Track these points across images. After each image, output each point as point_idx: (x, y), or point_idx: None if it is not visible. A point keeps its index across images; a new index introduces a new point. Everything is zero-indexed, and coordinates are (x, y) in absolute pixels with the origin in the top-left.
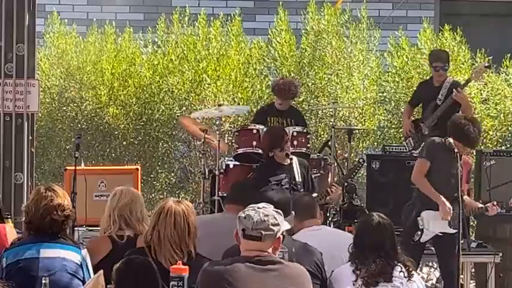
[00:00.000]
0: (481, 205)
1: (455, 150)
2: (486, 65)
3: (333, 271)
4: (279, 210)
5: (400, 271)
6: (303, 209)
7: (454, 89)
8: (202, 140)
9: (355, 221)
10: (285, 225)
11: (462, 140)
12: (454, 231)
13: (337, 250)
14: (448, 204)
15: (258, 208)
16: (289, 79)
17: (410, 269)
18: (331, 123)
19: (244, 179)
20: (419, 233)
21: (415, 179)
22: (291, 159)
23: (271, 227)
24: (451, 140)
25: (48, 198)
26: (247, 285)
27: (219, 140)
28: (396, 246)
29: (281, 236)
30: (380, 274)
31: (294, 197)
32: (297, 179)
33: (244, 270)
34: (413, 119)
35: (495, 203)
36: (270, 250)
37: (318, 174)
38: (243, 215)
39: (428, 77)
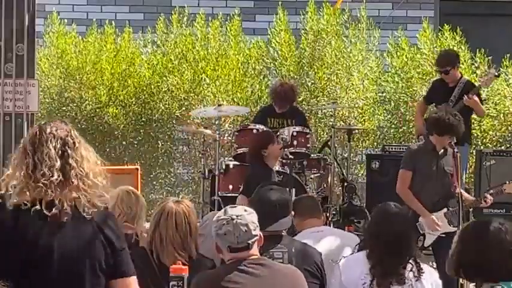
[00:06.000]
0: (472, 198)
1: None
2: (496, 74)
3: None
4: (249, 209)
5: (411, 270)
6: (303, 208)
7: (465, 94)
8: (203, 140)
9: (355, 220)
10: (284, 225)
11: (447, 132)
12: (455, 229)
13: (337, 255)
14: (431, 216)
15: (232, 219)
16: (287, 85)
17: (420, 266)
18: (330, 123)
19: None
20: (421, 238)
21: (398, 191)
22: None
23: (253, 233)
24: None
25: None
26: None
27: (218, 140)
28: (412, 239)
29: (261, 234)
30: (393, 274)
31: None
32: None
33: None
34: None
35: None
36: (256, 251)
37: (318, 174)
38: (222, 232)
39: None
